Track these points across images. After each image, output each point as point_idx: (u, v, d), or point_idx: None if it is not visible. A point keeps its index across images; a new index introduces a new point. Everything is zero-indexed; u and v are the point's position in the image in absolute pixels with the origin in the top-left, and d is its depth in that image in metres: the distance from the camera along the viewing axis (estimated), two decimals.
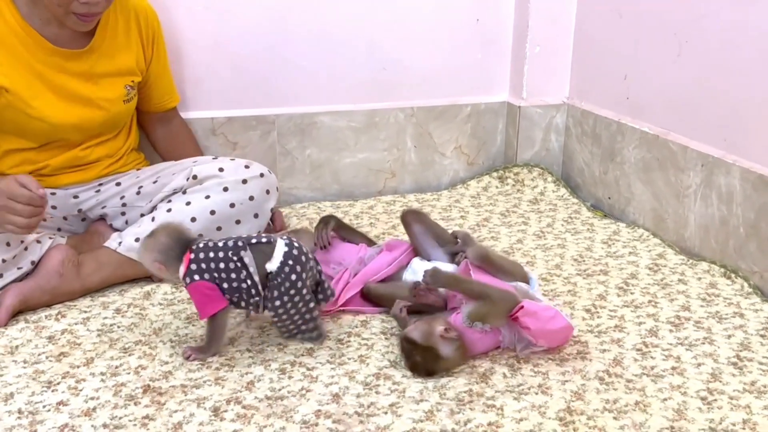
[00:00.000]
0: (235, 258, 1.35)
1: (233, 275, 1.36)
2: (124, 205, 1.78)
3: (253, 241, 1.38)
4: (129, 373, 1.36)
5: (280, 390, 1.32)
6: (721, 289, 1.72)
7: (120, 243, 1.65)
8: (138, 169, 1.84)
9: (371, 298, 1.60)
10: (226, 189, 1.67)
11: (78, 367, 1.38)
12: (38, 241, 1.62)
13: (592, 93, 2.30)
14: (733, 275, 1.75)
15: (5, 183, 1.45)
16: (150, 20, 1.78)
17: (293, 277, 1.36)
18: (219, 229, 1.66)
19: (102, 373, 1.36)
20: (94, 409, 1.26)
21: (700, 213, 1.88)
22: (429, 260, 1.59)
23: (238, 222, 1.68)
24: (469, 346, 1.39)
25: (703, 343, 1.49)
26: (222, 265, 1.35)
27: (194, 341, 1.47)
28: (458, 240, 1.59)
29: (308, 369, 1.39)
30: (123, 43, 1.72)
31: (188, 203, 1.66)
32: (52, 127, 1.64)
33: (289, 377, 1.36)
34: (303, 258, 1.39)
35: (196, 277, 1.35)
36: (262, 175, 1.72)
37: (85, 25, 1.60)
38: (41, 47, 1.60)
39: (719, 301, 1.66)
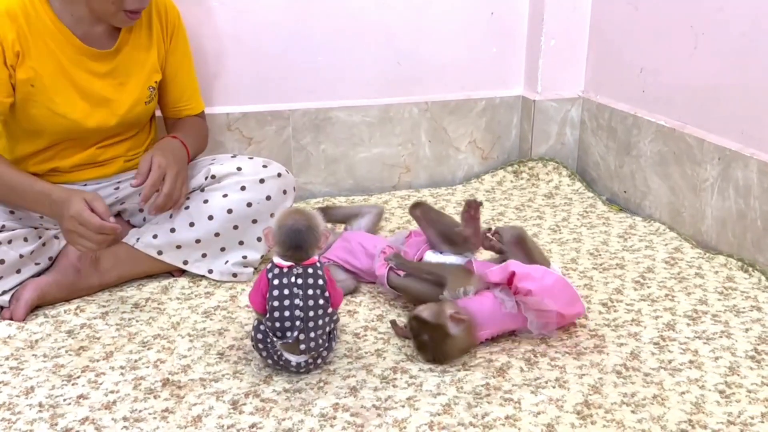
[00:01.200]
0: None
1: None
2: (141, 210, 1.79)
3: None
4: (148, 367, 1.37)
5: (297, 383, 1.33)
6: (738, 282, 1.71)
7: (138, 239, 1.66)
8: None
9: (394, 286, 1.60)
10: (243, 188, 1.67)
11: (97, 361, 1.40)
12: (56, 237, 1.64)
13: (608, 86, 2.29)
14: (750, 269, 1.74)
15: (75, 207, 1.46)
16: (169, 14, 1.75)
17: None
18: (236, 227, 1.67)
19: (121, 367, 1.37)
20: (114, 402, 1.27)
21: (717, 206, 1.87)
22: (441, 252, 1.59)
23: (254, 221, 1.68)
24: (499, 324, 1.43)
25: (721, 337, 1.48)
26: None
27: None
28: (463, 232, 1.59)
29: (326, 363, 1.40)
30: (146, 41, 1.71)
31: (206, 201, 1.67)
32: (73, 125, 1.64)
33: (307, 371, 1.37)
34: None
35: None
36: (279, 174, 1.72)
37: (131, 22, 1.61)
38: (71, 44, 1.60)
39: (736, 294, 1.65)
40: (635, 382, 1.33)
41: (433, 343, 1.37)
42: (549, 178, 2.36)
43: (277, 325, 1.30)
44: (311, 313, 1.30)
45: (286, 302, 1.29)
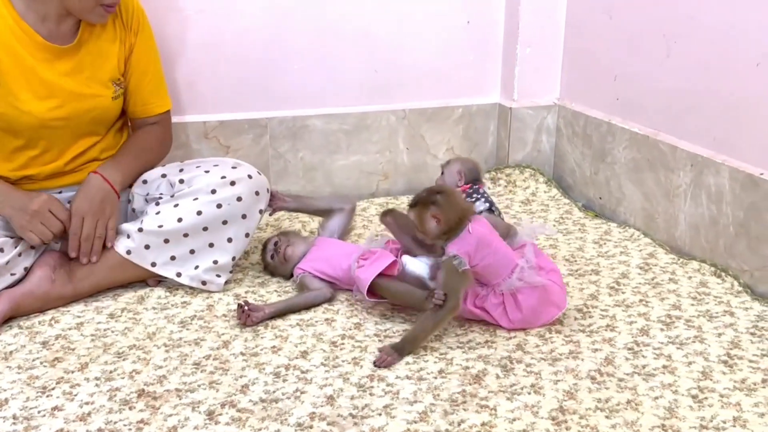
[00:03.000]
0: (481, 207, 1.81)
1: None
2: None
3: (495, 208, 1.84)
4: (123, 378, 1.37)
5: (274, 393, 1.33)
6: (711, 287, 1.73)
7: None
8: None
9: (379, 291, 1.59)
10: (214, 191, 1.67)
11: (72, 372, 1.38)
12: (32, 247, 1.63)
13: (583, 94, 2.31)
14: (723, 274, 1.77)
15: (47, 198, 1.63)
16: (135, 12, 1.74)
17: None
18: (205, 229, 1.67)
19: (96, 378, 1.36)
20: (89, 414, 1.26)
21: (690, 212, 1.90)
22: (416, 257, 1.60)
23: (224, 222, 1.68)
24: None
25: (694, 342, 1.50)
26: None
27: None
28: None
29: (302, 372, 1.40)
30: (109, 35, 1.70)
31: (176, 205, 1.67)
32: (40, 122, 1.63)
33: (284, 380, 1.37)
34: None
35: None
36: (250, 176, 1.72)
37: (107, 17, 1.64)
38: (34, 42, 1.61)
39: (709, 299, 1.68)
40: (609, 388, 1.35)
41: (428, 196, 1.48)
42: (526, 185, 2.37)
43: None
44: None
45: None
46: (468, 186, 1.86)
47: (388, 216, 1.65)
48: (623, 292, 1.71)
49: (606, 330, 1.54)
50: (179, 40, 2.07)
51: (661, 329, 1.55)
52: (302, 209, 1.96)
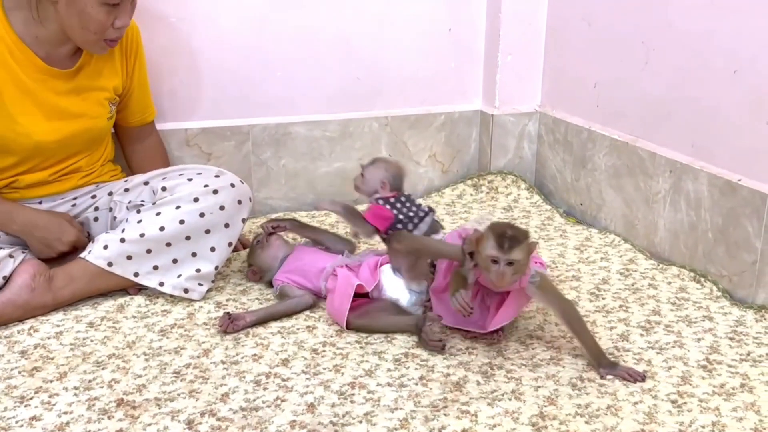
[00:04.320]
0: (421, 215, 1.62)
1: (409, 226, 1.60)
2: (96, 219, 1.79)
3: (436, 217, 1.66)
4: (102, 387, 1.36)
5: (254, 401, 1.32)
6: (690, 293, 1.75)
7: (90, 251, 1.65)
8: (114, 182, 1.84)
9: (357, 329, 1.58)
10: (196, 199, 1.67)
11: (51, 381, 1.37)
12: (11, 256, 1.61)
13: (564, 101, 2.33)
14: (702, 279, 1.78)
15: (61, 220, 1.70)
16: (133, 34, 1.80)
17: None
18: (188, 238, 1.66)
19: (75, 388, 1.35)
20: (67, 423, 1.25)
21: (670, 218, 1.91)
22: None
23: (207, 231, 1.67)
24: None
25: (674, 347, 1.51)
26: (410, 214, 1.61)
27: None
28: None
29: (283, 380, 1.39)
30: (108, 60, 1.74)
31: (158, 213, 1.66)
32: (36, 145, 1.65)
33: (264, 388, 1.36)
34: None
35: (388, 206, 1.61)
36: (233, 185, 1.72)
37: (108, 50, 1.66)
38: (33, 65, 1.62)
39: (689, 305, 1.69)
40: (590, 393, 1.35)
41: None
42: (508, 191, 2.38)
43: None
44: None
45: None
46: (395, 194, 1.66)
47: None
48: (603, 298, 1.72)
49: None
50: (161, 47, 2.06)
51: (641, 334, 1.56)
52: (304, 235, 1.86)
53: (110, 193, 1.79)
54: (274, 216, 2.19)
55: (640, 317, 1.63)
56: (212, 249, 1.69)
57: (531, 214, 2.26)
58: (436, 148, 2.43)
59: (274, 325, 1.59)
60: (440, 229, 1.65)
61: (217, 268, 1.71)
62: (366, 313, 1.57)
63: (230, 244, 1.72)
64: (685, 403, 1.33)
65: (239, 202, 1.72)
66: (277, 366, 1.44)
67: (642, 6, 1.97)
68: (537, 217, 2.23)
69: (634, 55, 2.01)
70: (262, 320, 1.59)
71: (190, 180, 1.69)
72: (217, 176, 1.72)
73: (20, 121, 1.62)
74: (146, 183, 1.75)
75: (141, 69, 1.86)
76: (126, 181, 1.81)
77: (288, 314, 1.63)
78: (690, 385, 1.38)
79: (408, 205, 1.64)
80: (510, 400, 1.33)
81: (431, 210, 1.65)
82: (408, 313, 1.58)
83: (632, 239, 2.04)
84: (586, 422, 1.27)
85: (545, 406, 1.31)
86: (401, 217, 1.60)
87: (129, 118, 1.90)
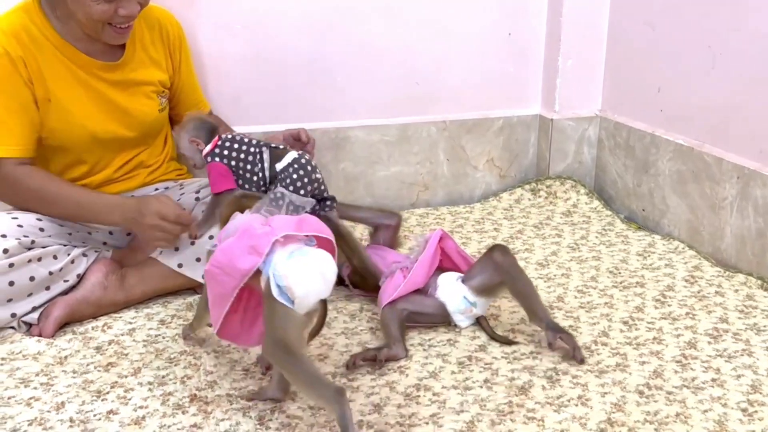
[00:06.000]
0: (255, 151, 1.59)
1: (249, 166, 1.59)
2: None
3: (272, 144, 1.62)
4: (176, 383, 1.39)
5: None
6: (758, 300, 1.71)
7: (161, 252, 1.69)
8: (181, 181, 1.88)
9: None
10: None
11: (126, 376, 1.42)
12: (84, 255, 1.67)
13: (625, 105, 2.30)
14: None
15: (155, 203, 1.59)
16: (174, 29, 1.83)
17: (295, 176, 1.57)
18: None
19: (149, 383, 1.39)
20: (143, 417, 1.29)
21: (737, 225, 1.88)
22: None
23: None
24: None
25: (742, 355, 1.49)
26: (242, 156, 1.60)
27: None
28: None
29: (349, 379, 1.41)
30: (152, 54, 1.78)
31: None
32: (91, 136, 1.69)
33: None
34: (309, 167, 1.58)
35: (217, 159, 1.60)
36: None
37: (120, 38, 1.66)
38: (79, 59, 1.66)
39: (757, 313, 1.66)
40: (658, 401, 1.34)
41: None
42: (567, 196, 2.37)
43: None
44: None
45: None
46: (216, 141, 1.62)
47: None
48: (669, 305, 1.70)
49: (653, 343, 1.54)
50: (225, 54, 2.11)
51: (709, 342, 1.54)
52: (346, 218, 1.89)
53: (181, 190, 1.82)
54: None
55: (708, 325, 1.61)
56: None
57: (591, 219, 2.25)
58: (494, 153, 2.43)
59: (339, 327, 1.61)
60: (285, 154, 1.60)
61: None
62: (409, 302, 1.57)
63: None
64: (756, 411, 1.31)
65: (303, 209, 1.74)
66: (343, 366, 1.46)
67: (708, 10, 1.94)
68: (597, 223, 2.22)
69: (699, 59, 1.98)
70: (346, 238, 1.63)
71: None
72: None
73: (74, 112, 1.65)
74: None
75: (187, 64, 1.88)
76: (198, 191, 1.81)
77: (363, 260, 1.66)
78: (760, 393, 1.36)
79: (236, 146, 1.60)
80: (576, 405, 1.33)
81: (264, 144, 1.61)
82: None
83: (697, 246, 2.00)
84: (656, 429, 1.26)
85: (613, 412, 1.31)
86: (233, 164, 1.58)
87: (178, 115, 1.90)
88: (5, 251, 1.52)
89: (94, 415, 1.30)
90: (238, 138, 1.62)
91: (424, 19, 2.28)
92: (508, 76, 2.40)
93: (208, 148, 1.62)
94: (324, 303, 1.24)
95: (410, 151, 2.35)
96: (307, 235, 1.23)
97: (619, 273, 1.87)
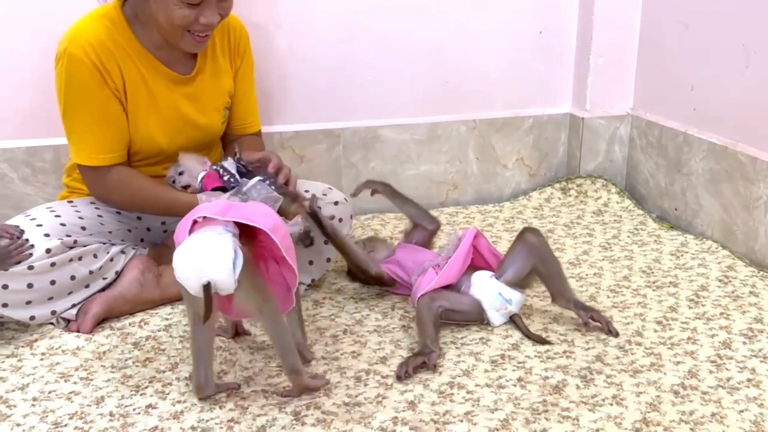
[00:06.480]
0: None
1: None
2: None
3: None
4: None
5: (356, 396, 1.36)
6: None
7: None
8: None
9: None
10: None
11: (164, 371, 1.44)
12: (123, 252, 1.70)
13: (658, 104, 2.29)
14: None
15: None
16: (239, 33, 1.79)
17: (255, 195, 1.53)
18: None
19: (186, 378, 1.41)
20: (181, 412, 1.31)
21: None
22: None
23: (309, 245, 1.70)
24: None
25: None
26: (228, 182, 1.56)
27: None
28: None
29: (382, 377, 1.42)
30: (221, 64, 1.75)
31: None
32: (159, 149, 1.70)
33: (365, 384, 1.40)
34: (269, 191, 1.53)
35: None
36: (336, 203, 1.76)
37: (198, 46, 1.63)
38: (155, 68, 1.65)
39: None
40: (693, 401, 1.33)
41: None
42: (597, 195, 2.36)
43: None
44: None
45: None
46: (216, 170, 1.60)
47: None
48: (703, 305, 1.69)
49: (687, 343, 1.53)
50: (257, 53, 2.12)
51: (744, 342, 1.53)
52: (394, 203, 1.88)
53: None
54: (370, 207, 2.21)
55: (742, 325, 1.60)
56: (310, 263, 1.74)
57: (622, 218, 2.24)
58: (524, 152, 2.43)
59: (371, 324, 1.63)
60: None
61: (313, 281, 1.76)
62: (445, 299, 1.57)
63: (328, 260, 1.77)
64: None
65: (340, 220, 1.76)
66: (376, 363, 1.47)
67: (742, 9, 1.93)
68: (629, 222, 2.20)
69: (733, 58, 1.96)
70: (333, 238, 1.66)
71: None
72: (324, 194, 1.76)
73: (148, 124, 1.66)
74: None
75: (246, 73, 1.83)
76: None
77: (350, 258, 1.69)
78: None
79: (226, 175, 1.58)
80: (611, 405, 1.32)
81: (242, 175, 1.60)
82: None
83: (730, 245, 1.99)
84: (691, 429, 1.26)
85: (648, 412, 1.30)
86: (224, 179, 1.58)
87: (230, 122, 1.87)
88: (48, 251, 1.55)
89: (134, 410, 1.33)
90: (226, 166, 1.60)
91: (455, 17, 2.28)
92: (538, 75, 2.40)
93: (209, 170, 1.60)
94: (208, 290, 1.20)
95: (440, 150, 2.36)
96: (226, 221, 1.24)
97: (652, 273, 1.86)
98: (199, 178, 1.59)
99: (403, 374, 1.41)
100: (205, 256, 1.20)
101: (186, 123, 1.71)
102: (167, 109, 1.68)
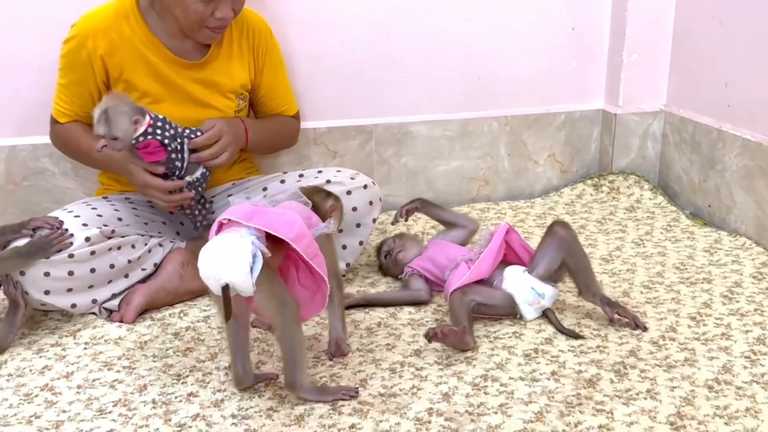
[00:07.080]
0: (179, 141, 1.62)
1: (173, 155, 1.61)
2: None
3: (192, 137, 1.64)
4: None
5: (392, 388, 1.38)
6: None
7: None
8: (249, 177, 1.93)
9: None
10: None
11: (204, 361, 1.48)
12: (160, 245, 1.74)
13: (691, 100, 2.28)
14: None
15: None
16: (262, 32, 1.85)
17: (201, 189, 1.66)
18: None
19: (226, 368, 1.45)
20: (222, 400, 1.35)
21: None
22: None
23: (340, 231, 1.74)
24: None
25: None
26: (169, 141, 1.60)
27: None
28: None
29: (417, 369, 1.44)
30: (236, 55, 1.82)
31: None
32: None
33: (400, 376, 1.42)
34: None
35: (150, 137, 1.57)
36: (365, 186, 1.79)
37: (214, 38, 1.73)
38: (165, 56, 1.73)
39: None
40: (727, 396, 1.34)
41: None
42: (630, 192, 2.36)
43: None
44: None
45: None
46: (149, 122, 1.58)
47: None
48: (737, 301, 1.69)
49: (721, 338, 1.53)
50: (292, 50, 2.16)
51: None
52: (429, 215, 1.93)
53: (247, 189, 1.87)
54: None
55: None
56: (344, 247, 1.76)
57: (655, 215, 2.23)
58: (556, 148, 2.43)
59: (405, 317, 1.65)
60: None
61: (348, 265, 1.79)
62: (478, 293, 1.59)
63: (361, 243, 1.79)
64: None
65: (370, 203, 1.78)
66: (411, 356, 1.49)
67: None
68: (662, 219, 2.20)
69: None
70: (371, 303, 1.68)
71: (328, 182, 1.76)
72: (352, 178, 1.79)
73: (155, 107, 1.70)
74: (282, 182, 1.84)
75: (272, 67, 1.88)
76: (265, 188, 1.84)
77: (397, 304, 1.70)
78: None
79: (168, 129, 1.61)
80: (645, 399, 1.33)
81: (187, 136, 1.64)
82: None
83: (764, 242, 1.98)
84: (726, 423, 1.26)
85: (682, 406, 1.31)
86: (165, 142, 1.60)
87: (261, 116, 1.95)
88: (87, 239, 1.60)
89: (176, 397, 1.36)
90: (168, 121, 1.61)
91: (486, 14, 2.29)
92: (570, 71, 2.40)
93: (144, 127, 1.57)
94: (226, 291, 1.22)
95: (471, 146, 2.37)
96: (248, 227, 1.26)
97: (686, 269, 1.86)
98: (136, 137, 1.57)
99: (432, 335, 1.43)
100: (224, 259, 1.22)
101: (196, 106, 1.76)
102: (177, 91, 1.75)
